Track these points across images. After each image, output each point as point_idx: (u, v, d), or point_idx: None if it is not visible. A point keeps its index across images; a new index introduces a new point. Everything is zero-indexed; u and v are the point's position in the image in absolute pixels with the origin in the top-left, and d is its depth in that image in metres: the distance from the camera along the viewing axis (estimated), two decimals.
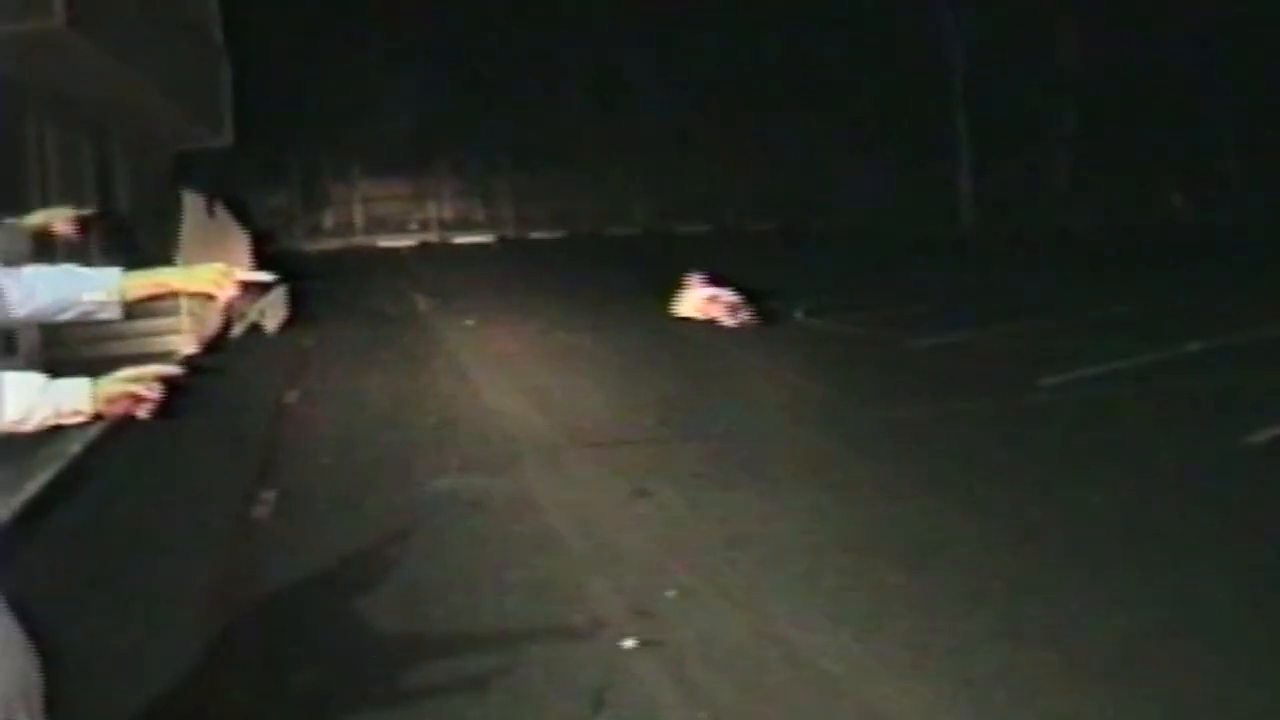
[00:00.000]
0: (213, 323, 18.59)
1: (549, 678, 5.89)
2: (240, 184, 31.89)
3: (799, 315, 19.81)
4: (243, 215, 23.90)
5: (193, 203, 20.41)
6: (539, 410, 12.95)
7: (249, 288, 4.07)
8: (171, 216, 19.79)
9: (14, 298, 3.74)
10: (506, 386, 14.45)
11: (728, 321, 18.58)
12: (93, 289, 3.77)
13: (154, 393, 3.53)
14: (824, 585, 7.07)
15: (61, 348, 13.62)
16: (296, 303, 21.73)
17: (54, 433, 4.21)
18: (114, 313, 3.80)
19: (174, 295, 3.96)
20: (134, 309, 3.88)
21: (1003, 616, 6.49)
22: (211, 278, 3.90)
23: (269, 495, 9.64)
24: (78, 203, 7.02)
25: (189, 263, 18.53)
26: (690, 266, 20.38)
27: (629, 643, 6.22)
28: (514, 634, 6.47)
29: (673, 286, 20.07)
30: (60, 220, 5.54)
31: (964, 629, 6.33)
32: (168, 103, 26.02)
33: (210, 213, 21.35)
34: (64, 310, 3.82)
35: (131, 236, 25.21)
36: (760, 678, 5.82)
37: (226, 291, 3.93)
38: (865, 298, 21.91)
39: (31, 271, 3.80)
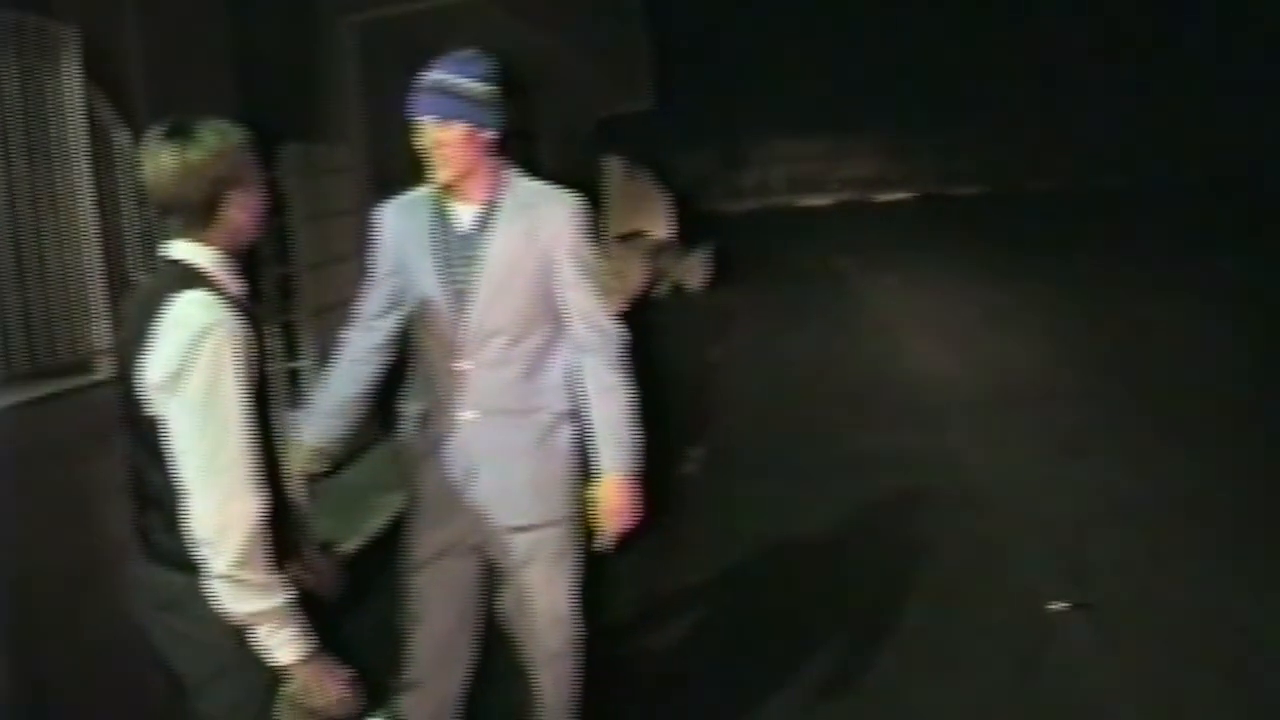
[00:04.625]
0: (638, 281, 19.06)
1: (978, 639, 5.87)
2: (661, 147, 32.40)
3: (1224, 268, 18.91)
4: (663, 178, 24.35)
5: (615, 167, 20.92)
6: (965, 367, 12.82)
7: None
8: (594, 181, 20.32)
9: None
10: (930, 344, 14.35)
11: None
12: None
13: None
14: (1265, 548, 6.80)
15: None
16: (718, 262, 22.07)
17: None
18: None
19: None
20: None
21: None
22: None
23: (698, 453, 9.86)
24: None
25: (615, 226, 18.96)
26: (1105, 220, 19.51)
27: (1059, 605, 6.14)
28: (942, 594, 6.47)
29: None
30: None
31: None
32: (588, 68, 26.78)
33: (632, 176, 21.87)
34: None
35: None
36: (1196, 644, 5.65)
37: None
38: None
39: None
